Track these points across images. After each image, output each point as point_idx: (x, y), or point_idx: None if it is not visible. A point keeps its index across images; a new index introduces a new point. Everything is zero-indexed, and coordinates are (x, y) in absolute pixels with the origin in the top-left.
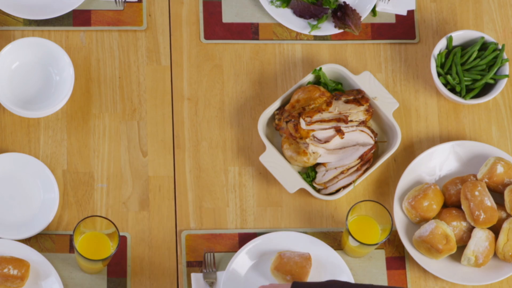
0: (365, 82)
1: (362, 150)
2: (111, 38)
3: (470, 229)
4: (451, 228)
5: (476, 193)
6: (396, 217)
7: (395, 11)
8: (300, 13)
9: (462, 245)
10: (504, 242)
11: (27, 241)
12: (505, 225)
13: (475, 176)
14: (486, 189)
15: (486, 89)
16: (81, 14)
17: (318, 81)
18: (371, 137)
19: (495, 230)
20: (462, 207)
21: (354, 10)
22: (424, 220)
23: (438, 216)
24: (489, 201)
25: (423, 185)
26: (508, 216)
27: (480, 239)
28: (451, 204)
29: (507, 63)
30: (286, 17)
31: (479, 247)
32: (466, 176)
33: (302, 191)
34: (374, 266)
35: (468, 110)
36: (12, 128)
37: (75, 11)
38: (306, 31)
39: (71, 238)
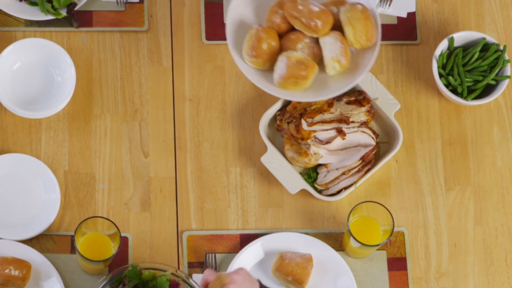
0: (367, 83)
1: (363, 151)
2: (112, 39)
3: (316, 40)
4: (301, 52)
5: (300, 7)
6: (245, 73)
7: (395, 13)
8: None
9: (320, 59)
10: (352, 33)
11: (28, 241)
12: (343, 18)
13: None
14: None
15: (488, 90)
16: (82, 15)
17: None
18: (373, 138)
19: (337, 28)
20: (296, 27)
21: None
22: (272, 61)
23: (281, 50)
24: (316, 6)
25: (250, 31)
26: (338, 9)
27: (331, 43)
28: (285, 31)
29: (509, 64)
30: None
31: (335, 51)
32: (277, 0)
33: (303, 192)
34: (376, 267)
35: (469, 111)
36: (13, 128)
37: (76, 12)
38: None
39: (72, 239)
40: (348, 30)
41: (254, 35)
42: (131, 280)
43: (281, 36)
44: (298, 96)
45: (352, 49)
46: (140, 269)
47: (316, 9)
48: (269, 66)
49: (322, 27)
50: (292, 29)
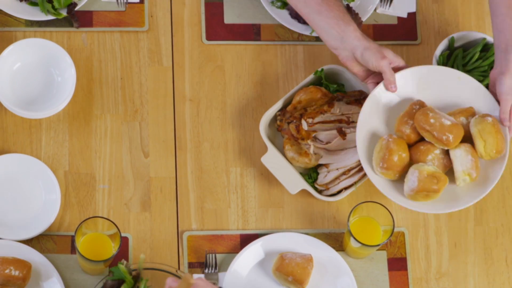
0: None
1: None
2: (112, 39)
3: (446, 152)
4: (430, 163)
5: (432, 120)
6: (376, 184)
7: (395, 13)
8: (296, 16)
9: (448, 170)
10: (483, 145)
11: (28, 242)
12: (474, 130)
13: (417, 103)
14: (436, 110)
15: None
16: (83, 15)
17: (320, 82)
18: None
19: (466, 139)
20: (427, 139)
21: (357, 14)
22: (403, 172)
23: (411, 160)
24: (447, 120)
25: (380, 141)
26: (468, 120)
27: (462, 156)
28: (414, 142)
29: None
30: (288, 18)
31: (465, 164)
32: (408, 108)
33: (303, 192)
34: (376, 267)
35: None
36: (14, 129)
37: (77, 12)
38: (307, 32)
39: (72, 239)
40: (478, 143)
41: (384, 146)
42: (114, 275)
43: (409, 145)
44: (428, 207)
45: (480, 160)
46: (129, 268)
47: (448, 122)
48: (398, 177)
49: (454, 140)
50: (421, 139)
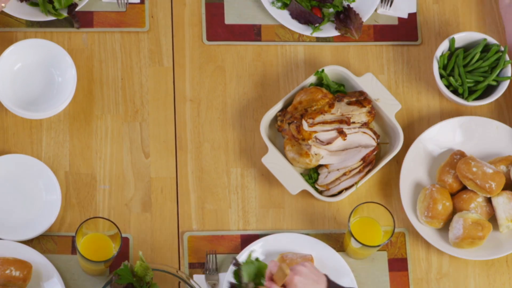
0: (368, 83)
1: (364, 152)
2: (113, 40)
3: (488, 199)
4: (474, 211)
5: (474, 169)
6: (421, 232)
7: (396, 14)
8: (296, 16)
9: (491, 217)
10: None
11: (29, 242)
12: None
13: (457, 153)
14: (478, 159)
15: (489, 90)
16: (83, 15)
17: (320, 83)
18: (373, 138)
19: (507, 187)
20: (469, 187)
21: (357, 14)
22: (447, 220)
23: (454, 209)
24: (489, 168)
25: (424, 191)
26: (508, 168)
27: (504, 203)
28: (456, 191)
29: (510, 65)
30: (288, 19)
31: (508, 211)
32: (449, 159)
33: (304, 192)
34: (377, 268)
35: (470, 112)
36: (14, 129)
37: (77, 12)
38: (308, 32)
39: (73, 239)
40: None
41: (428, 196)
42: (122, 278)
43: (452, 194)
44: (472, 254)
45: None
46: (132, 267)
47: (490, 171)
48: (443, 225)
49: (496, 188)
50: (463, 188)
